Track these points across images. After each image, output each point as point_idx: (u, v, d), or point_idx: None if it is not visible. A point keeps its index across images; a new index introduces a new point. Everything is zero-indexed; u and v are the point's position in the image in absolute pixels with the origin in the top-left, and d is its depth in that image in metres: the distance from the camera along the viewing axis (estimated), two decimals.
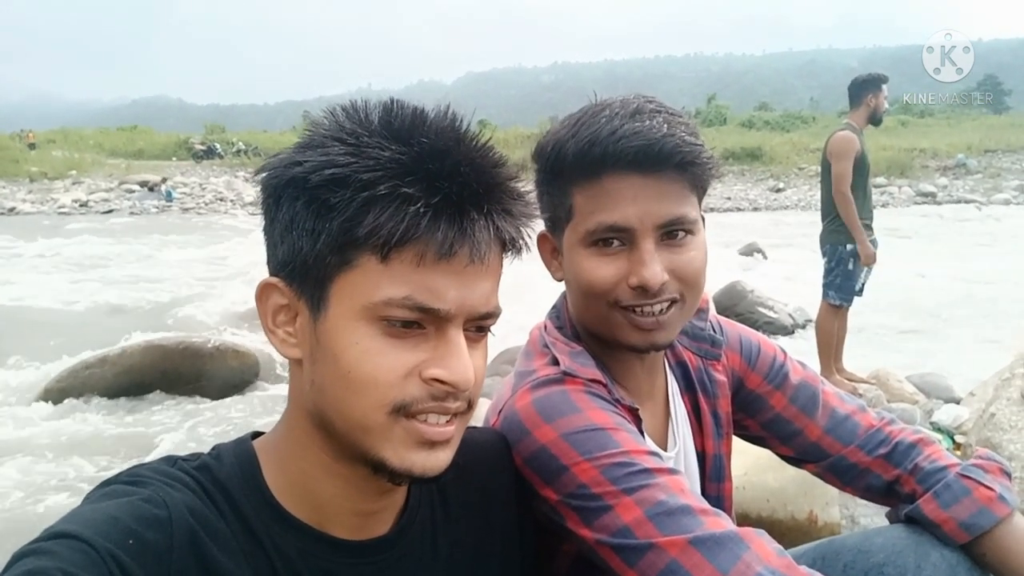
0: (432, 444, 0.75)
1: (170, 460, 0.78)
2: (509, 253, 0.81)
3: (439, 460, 0.76)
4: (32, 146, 40.69)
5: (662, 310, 1.07)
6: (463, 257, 0.72)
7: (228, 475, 0.77)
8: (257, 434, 0.85)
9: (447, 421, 0.76)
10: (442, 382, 0.73)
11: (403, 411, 0.73)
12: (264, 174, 0.77)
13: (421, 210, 0.69)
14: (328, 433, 0.76)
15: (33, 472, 4.47)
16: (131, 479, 0.73)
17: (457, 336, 0.74)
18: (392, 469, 0.74)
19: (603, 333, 1.13)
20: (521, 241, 0.80)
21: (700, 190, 1.10)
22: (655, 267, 1.03)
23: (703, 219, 1.13)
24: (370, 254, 0.71)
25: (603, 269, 1.07)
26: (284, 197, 0.74)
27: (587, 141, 1.03)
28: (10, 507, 4.04)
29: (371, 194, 0.69)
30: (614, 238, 1.06)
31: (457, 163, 0.73)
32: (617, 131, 1.01)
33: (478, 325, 0.78)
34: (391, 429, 0.74)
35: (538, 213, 0.86)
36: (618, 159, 1.02)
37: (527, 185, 0.83)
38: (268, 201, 0.77)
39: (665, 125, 1.03)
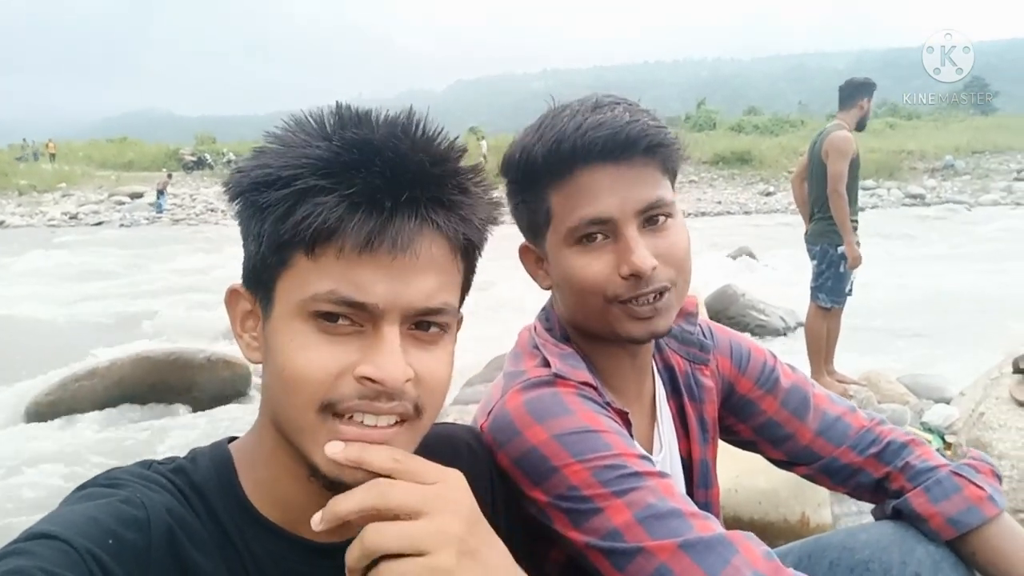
0: None
1: (146, 464, 0.78)
2: (458, 248, 0.77)
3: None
4: (53, 156, 40.61)
5: (656, 298, 1.07)
6: (386, 250, 0.70)
7: (204, 478, 0.77)
8: (235, 438, 0.85)
9: (390, 424, 0.73)
10: (371, 380, 0.70)
11: (330, 409, 0.71)
12: (226, 186, 0.78)
13: (334, 202, 0.69)
14: (283, 435, 0.76)
15: (22, 486, 4.43)
16: (109, 482, 0.73)
17: (391, 333, 0.71)
18: (324, 475, 0.72)
19: (601, 330, 1.11)
20: (466, 234, 0.76)
21: (671, 173, 1.10)
22: (643, 251, 1.03)
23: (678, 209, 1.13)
24: (301, 252, 0.71)
25: (592, 265, 1.06)
26: (237, 205, 0.76)
27: (554, 140, 1.04)
28: None
29: (293, 190, 0.69)
30: (597, 232, 1.05)
31: (376, 152, 0.70)
32: (582, 125, 1.02)
33: (423, 321, 0.74)
34: (319, 431, 0.71)
35: (498, 211, 0.83)
36: (588, 152, 1.02)
37: (485, 182, 0.79)
38: (234, 211, 0.78)
39: (627, 114, 1.04)
